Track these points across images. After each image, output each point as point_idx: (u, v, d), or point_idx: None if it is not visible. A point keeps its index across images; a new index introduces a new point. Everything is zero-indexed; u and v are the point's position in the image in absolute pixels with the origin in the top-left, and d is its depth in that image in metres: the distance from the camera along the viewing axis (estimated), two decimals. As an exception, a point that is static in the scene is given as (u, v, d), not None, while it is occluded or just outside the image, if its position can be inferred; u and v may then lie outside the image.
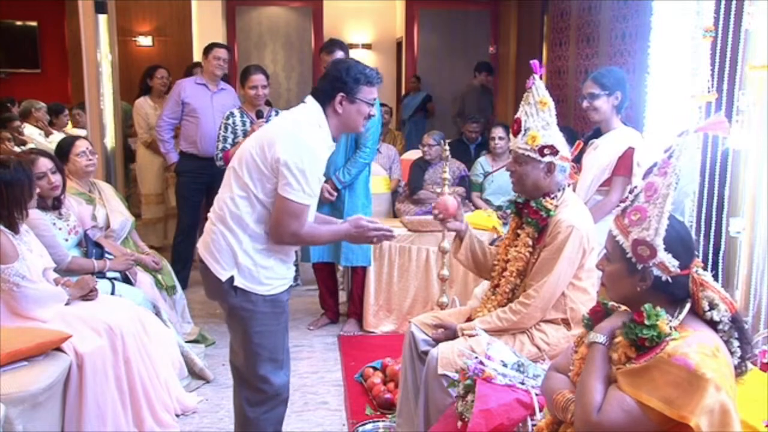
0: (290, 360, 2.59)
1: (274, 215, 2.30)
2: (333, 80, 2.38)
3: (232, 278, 2.34)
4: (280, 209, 2.28)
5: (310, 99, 2.42)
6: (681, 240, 1.59)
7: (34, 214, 3.05)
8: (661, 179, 1.58)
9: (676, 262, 1.56)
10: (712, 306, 1.58)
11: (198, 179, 4.88)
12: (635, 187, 1.67)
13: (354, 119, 2.41)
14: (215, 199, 2.42)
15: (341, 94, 2.36)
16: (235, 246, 2.32)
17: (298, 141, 2.28)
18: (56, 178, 3.20)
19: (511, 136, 2.59)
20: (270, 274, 2.37)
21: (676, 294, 1.60)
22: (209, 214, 2.44)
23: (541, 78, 2.52)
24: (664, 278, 1.57)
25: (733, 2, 2.99)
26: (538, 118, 2.46)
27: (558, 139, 2.48)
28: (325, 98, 2.38)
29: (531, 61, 2.55)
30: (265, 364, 2.43)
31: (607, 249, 1.67)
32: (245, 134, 4.15)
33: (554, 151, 2.45)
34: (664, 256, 1.56)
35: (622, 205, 1.65)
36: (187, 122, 4.91)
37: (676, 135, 1.61)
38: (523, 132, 2.48)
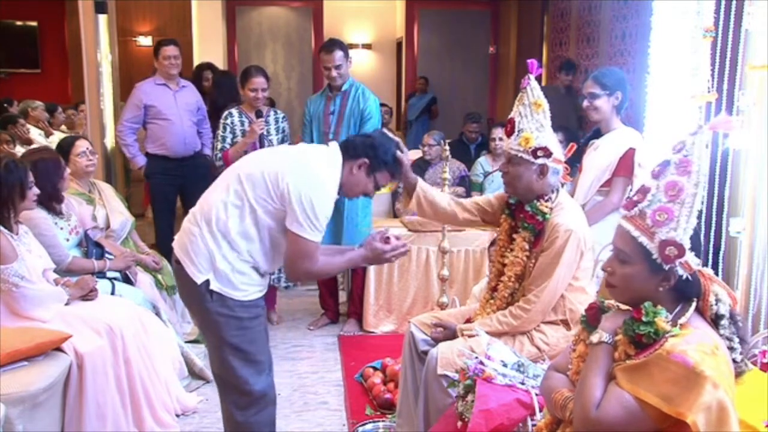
0: (272, 361, 2.52)
1: (288, 254, 2.29)
2: (370, 146, 2.37)
3: (207, 282, 2.29)
4: (293, 249, 2.27)
5: (334, 144, 2.41)
6: (696, 237, 1.59)
7: (37, 213, 3.07)
8: (685, 178, 1.56)
9: (698, 260, 1.56)
10: (719, 300, 1.58)
11: (170, 180, 4.79)
12: (643, 185, 1.65)
13: (358, 187, 2.41)
14: (202, 196, 2.37)
15: (365, 160, 2.36)
16: (215, 250, 2.28)
17: (311, 175, 2.26)
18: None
19: (504, 136, 2.57)
20: (246, 280, 2.33)
21: (690, 292, 1.59)
22: (192, 210, 2.38)
23: (538, 78, 2.48)
24: (684, 276, 1.56)
25: (733, 2, 2.99)
26: (532, 119, 2.44)
27: (552, 141, 2.45)
28: (351, 153, 2.37)
29: (528, 60, 2.50)
30: (246, 368, 2.39)
31: (623, 251, 1.62)
32: (244, 134, 4.15)
33: (548, 153, 2.43)
34: (688, 255, 1.55)
35: (640, 205, 1.60)
36: (155, 125, 4.74)
37: (690, 133, 1.60)
38: (516, 133, 2.46)
